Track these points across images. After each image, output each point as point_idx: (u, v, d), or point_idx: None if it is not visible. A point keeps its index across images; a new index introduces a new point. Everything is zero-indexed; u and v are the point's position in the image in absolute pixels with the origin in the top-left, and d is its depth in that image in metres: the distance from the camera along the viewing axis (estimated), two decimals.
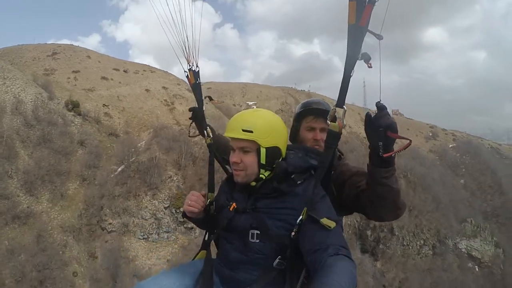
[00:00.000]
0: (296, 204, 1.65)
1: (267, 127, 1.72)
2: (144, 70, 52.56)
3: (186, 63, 2.25)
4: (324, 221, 1.49)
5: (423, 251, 41.95)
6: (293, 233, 1.59)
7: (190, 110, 2.35)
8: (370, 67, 1.48)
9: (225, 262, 1.80)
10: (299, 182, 1.71)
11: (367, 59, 1.49)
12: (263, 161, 1.71)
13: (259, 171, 1.73)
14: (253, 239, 1.69)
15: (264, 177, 1.74)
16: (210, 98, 2.49)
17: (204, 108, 2.30)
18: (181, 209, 2.01)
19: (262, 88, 63.06)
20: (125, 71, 49.65)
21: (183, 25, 2.12)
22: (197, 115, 2.32)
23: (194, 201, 1.92)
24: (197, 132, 2.38)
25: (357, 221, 38.09)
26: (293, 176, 1.72)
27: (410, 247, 41.23)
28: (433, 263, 40.89)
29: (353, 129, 56.30)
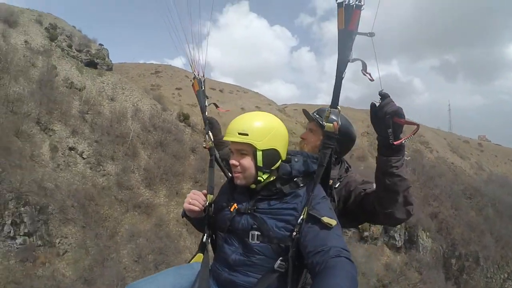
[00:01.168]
0: (297, 204, 1.69)
1: (263, 129, 1.74)
2: (237, 91, 60.03)
3: (192, 72, 2.47)
4: (325, 219, 1.54)
5: (506, 286, 41.49)
6: (294, 233, 1.62)
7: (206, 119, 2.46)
8: (371, 80, 1.57)
9: (224, 265, 1.79)
10: (301, 185, 1.75)
11: (364, 68, 1.58)
12: (260, 163, 1.74)
13: (257, 173, 1.76)
14: (253, 240, 1.70)
15: (262, 180, 1.77)
16: (216, 105, 2.55)
17: (206, 114, 2.42)
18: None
19: (344, 110, 65.79)
20: (220, 91, 57.39)
21: (192, 38, 2.28)
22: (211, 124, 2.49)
23: (196, 199, 1.95)
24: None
25: (442, 247, 39.49)
26: (295, 179, 1.76)
27: (494, 280, 41.39)
28: None
29: (440, 154, 56.80)
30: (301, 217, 1.63)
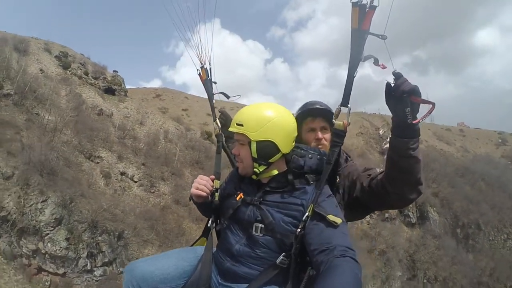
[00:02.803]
0: (305, 201, 1.71)
1: (258, 120, 1.75)
2: (237, 107, 64.92)
3: (199, 62, 2.43)
4: (331, 217, 1.56)
5: (507, 245, 48.39)
6: (298, 230, 1.63)
7: (219, 111, 2.55)
8: (384, 67, 1.59)
9: (227, 254, 1.82)
10: (311, 182, 1.77)
11: (376, 62, 1.61)
12: (254, 154, 1.76)
13: (253, 164, 1.80)
14: (257, 232, 1.73)
15: (258, 171, 1.80)
16: (225, 95, 2.53)
17: (214, 101, 2.47)
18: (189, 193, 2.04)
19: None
20: (231, 109, 62.25)
21: (197, 26, 2.27)
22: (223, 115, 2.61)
23: (203, 185, 1.98)
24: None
25: (447, 219, 45.79)
26: (306, 176, 1.79)
27: (496, 241, 48.01)
28: None
29: (429, 143, 63.91)
30: (307, 213, 1.64)
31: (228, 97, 2.52)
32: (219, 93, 2.49)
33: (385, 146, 57.55)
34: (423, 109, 1.58)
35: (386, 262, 33.38)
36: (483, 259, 43.91)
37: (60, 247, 22.69)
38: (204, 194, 1.97)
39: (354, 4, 1.61)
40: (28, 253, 22.95)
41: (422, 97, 1.55)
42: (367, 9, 1.59)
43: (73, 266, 23.14)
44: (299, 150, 1.87)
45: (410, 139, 1.65)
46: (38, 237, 23.06)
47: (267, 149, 1.77)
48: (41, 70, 38.70)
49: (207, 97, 2.44)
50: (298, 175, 1.80)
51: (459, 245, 43.25)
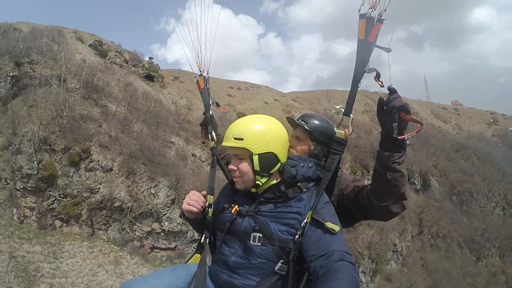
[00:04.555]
0: (301, 208, 1.78)
1: (258, 133, 1.82)
2: (251, 87, 71.19)
3: (198, 69, 2.52)
4: (329, 224, 1.61)
5: (496, 212, 57.90)
6: (297, 236, 1.69)
7: (203, 114, 2.56)
8: (382, 86, 1.67)
9: (223, 267, 1.87)
10: (304, 190, 1.85)
11: (377, 76, 1.70)
12: (256, 168, 1.83)
13: (255, 177, 1.86)
14: (255, 242, 1.78)
15: (261, 184, 1.87)
16: (217, 105, 2.65)
17: (211, 113, 2.52)
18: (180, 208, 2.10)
19: (344, 93, 79.92)
20: (238, 89, 68.20)
21: (198, 36, 2.34)
22: (205, 120, 2.58)
23: (195, 200, 2.03)
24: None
25: (444, 187, 54.45)
26: (299, 184, 1.86)
27: (486, 208, 57.25)
28: (504, 221, 56.39)
29: (428, 121, 72.07)
30: (305, 220, 1.71)
31: (219, 106, 2.70)
32: (213, 103, 2.60)
33: None
34: (411, 126, 1.73)
35: (401, 219, 41.70)
36: (475, 221, 53.09)
37: (177, 223, 28.08)
38: (196, 210, 2.01)
39: (361, 16, 1.72)
40: (141, 235, 28.23)
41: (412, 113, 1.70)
42: (375, 22, 1.70)
43: (182, 239, 28.34)
44: (289, 160, 1.95)
45: (396, 153, 1.74)
46: (153, 218, 28.32)
47: (268, 161, 1.85)
48: (83, 60, 39.84)
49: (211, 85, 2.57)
50: (291, 184, 1.87)
51: (455, 209, 52.23)
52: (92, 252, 26.09)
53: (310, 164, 1.93)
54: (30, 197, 26.32)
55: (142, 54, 52.50)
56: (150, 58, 52.86)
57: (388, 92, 1.68)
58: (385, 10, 1.68)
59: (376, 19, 1.69)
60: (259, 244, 1.78)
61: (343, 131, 1.85)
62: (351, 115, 1.83)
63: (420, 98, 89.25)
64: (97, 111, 33.05)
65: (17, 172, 26.40)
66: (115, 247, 27.41)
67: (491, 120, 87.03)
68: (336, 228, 1.61)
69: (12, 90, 31.46)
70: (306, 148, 2.17)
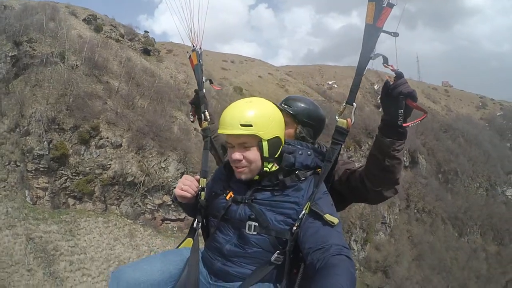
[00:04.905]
0: (299, 198, 1.74)
1: (265, 118, 1.76)
2: (245, 60, 71.90)
3: (191, 44, 2.42)
4: (328, 217, 1.59)
5: (479, 192, 61.32)
6: (294, 228, 1.66)
7: (195, 91, 2.46)
8: (393, 70, 1.62)
9: (217, 254, 1.84)
10: (303, 178, 1.79)
11: (386, 62, 1.62)
12: (266, 154, 1.77)
13: (263, 164, 1.81)
14: (250, 231, 1.74)
15: (268, 170, 1.82)
16: (211, 82, 2.58)
17: (204, 90, 2.43)
18: (173, 193, 2.07)
19: (337, 69, 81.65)
20: (232, 62, 68.86)
21: (190, 8, 2.25)
22: (197, 98, 2.48)
23: (188, 185, 1.99)
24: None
25: (431, 165, 57.14)
26: (297, 172, 1.81)
27: (470, 188, 60.48)
28: (487, 201, 59.90)
29: (419, 101, 74.32)
30: (303, 211, 1.67)
31: (212, 83, 2.58)
32: (206, 80, 2.49)
33: (379, 101, 67.83)
34: (414, 114, 1.64)
35: None
36: (459, 199, 56.40)
37: None
38: (189, 195, 1.97)
39: (371, 0, 1.64)
40: (152, 207, 29.40)
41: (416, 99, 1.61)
42: (383, 6, 1.62)
43: None
44: (287, 145, 1.89)
45: (397, 141, 1.68)
46: (164, 191, 29.49)
47: (276, 146, 1.80)
48: (79, 36, 39.37)
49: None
50: (289, 172, 1.81)
51: (441, 186, 55.27)
52: (108, 227, 27.34)
53: (309, 152, 1.88)
54: (43, 178, 27.28)
55: (138, 28, 51.86)
56: (145, 31, 53.22)
57: (395, 76, 1.61)
58: None
59: (386, 3, 1.62)
60: (255, 233, 1.74)
61: (345, 120, 1.77)
62: (354, 103, 1.75)
63: (411, 77, 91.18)
64: (100, 87, 33.72)
65: (27, 154, 27.20)
66: (128, 220, 28.67)
67: (480, 104, 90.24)
68: (335, 220, 1.59)
69: (13, 70, 31.50)
70: (292, 131, 2.14)
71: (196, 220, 2.06)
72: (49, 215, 26.30)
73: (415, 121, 1.65)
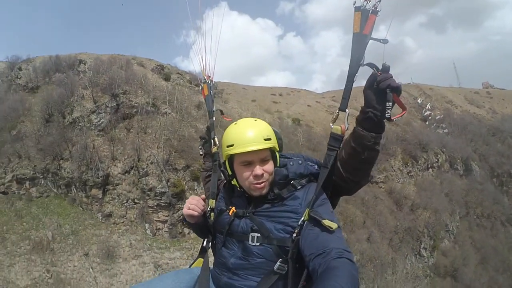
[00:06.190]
0: (296, 207, 1.85)
1: (272, 132, 1.99)
2: (292, 92, 78.21)
3: (203, 77, 2.79)
4: (326, 222, 1.64)
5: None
6: (294, 235, 1.76)
7: (206, 127, 2.78)
8: (379, 69, 1.69)
9: (224, 269, 1.96)
10: (299, 187, 1.91)
11: (377, 69, 1.69)
12: (278, 164, 1.96)
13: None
14: (253, 242, 1.86)
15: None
16: (221, 112, 2.76)
17: (214, 118, 2.68)
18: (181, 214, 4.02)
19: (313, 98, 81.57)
20: (280, 95, 74.91)
21: (201, 46, 2.61)
22: (208, 133, 2.79)
23: (195, 204, 2.14)
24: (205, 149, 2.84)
25: (484, 170, 60.21)
26: (292, 182, 1.93)
27: None
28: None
29: (463, 108, 76.59)
30: (302, 218, 1.77)
31: (223, 114, 2.76)
32: (217, 110, 2.72)
33: (426, 113, 71.55)
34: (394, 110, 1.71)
35: (449, 202, 48.56)
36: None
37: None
38: (196, 213, 2.11)
39: (356, 9, 1.73)
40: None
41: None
42: (369, 14, 1.69)
43: None
44: (281, 158, 2.01)
45: (378, 134, 1.75)
46: None
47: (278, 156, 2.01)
48: (155, 86, 43.88)
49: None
50: (284, 184, 1.93)
51: (496, 190, 58.36)
52: None
53: (300, 161, 1.99)
54: (163, 212, 32.84)
55: (200, 73, 57.55)
56: (208, 76, 58.51)
57: (381, 69, 1.66)
58: (379, 1, 1.70)
59: (371, 11, 1.70)
60: (258, 244, 1.85)
61: (339, 127, 1.81)
62: (347, 110, 1.80)
63: (451, 85, 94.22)
64: (193, 131, 39.64)
65: (148, 192, 32.87)
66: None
67: None
68: (334, 225, 1.64)
69: (113, 119, 37.92)
70: None
71: (206, 239, 2.25)
72: (170, 244, 31.49)
73: (399, 115, 1.67)
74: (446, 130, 66.77)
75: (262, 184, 1.90)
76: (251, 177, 1.90)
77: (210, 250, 2.24)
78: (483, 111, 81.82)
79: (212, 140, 2.58)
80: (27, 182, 33.62)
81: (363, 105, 1.75)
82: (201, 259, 2.22)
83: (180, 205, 33.23)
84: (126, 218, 32.45)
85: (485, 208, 54.58)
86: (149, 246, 30.88)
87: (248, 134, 1.87)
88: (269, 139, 1.89)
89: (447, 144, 59.16)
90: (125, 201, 33.27)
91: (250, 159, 1.89)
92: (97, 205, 33.02)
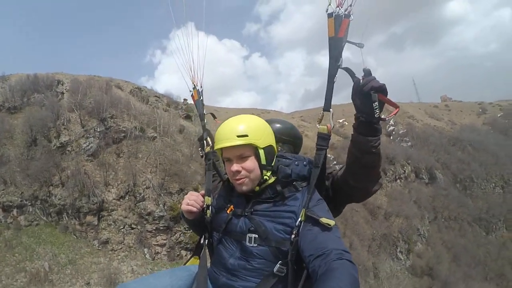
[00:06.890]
0: (295, 207, 1.86)
1: (258, 128, 1.94)
2: (262, 113, 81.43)
3: (191, 83, 2.74)
4: (324, 220, 1.67)
5: (496, 191, 69.50)
6: (293, 236, 1.76)
7: (199, 140, 2.72)
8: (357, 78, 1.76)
9: (222, 269, 1.94)
10: (300, 189, 1.93)
11: (350, 72, 1.79)
12: (263, 161, 1.93)
13: (262, 173, 1.95)
14: (251, 243, 1.85)
15: (267, 177, 1.97)
16: (213, 116, 2.83)
17: (205, 120, 2.72)
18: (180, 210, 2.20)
19: (344, 107, 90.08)
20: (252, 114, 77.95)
21: (190, 50, 2.59)
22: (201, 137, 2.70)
23: (194, 200, 2.14)
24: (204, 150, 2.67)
25: (447, 177, 65.90)
26: (294, 183, 1.95)
27: (487, 189, 68.88)
28: (505, 198, 67.74)
29: (424, 121, 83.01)
30: (299, 219, 1.77)
31: (215, 117, 2.83)
32: (208, 113, 2.76)
33: (389, 129, 76.94)
34: (386, 109, 1.76)
35: (419, 208, 53.23)
36: (479, 202, 64.43)
37: None
38: (195, 209, 2.11)
39: (329, 15, 1.81)
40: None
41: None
42: (342, 19, 1.79)
43: None
44: (284, 159, 2.05)
45: (374, 137, 1.78)
46: None
47: (271, 154, 1.97)
48: (141, 110, 42.99)
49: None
50: (286, 183, 1.95)
51: (460, 194, 63.89)
52: None
53: (304, 163, 2.01)
54: (161, 235, 33.13)
55: (179, 97, 57.00)
56: (184, 99, 55.93)
57: (363, 73, 1.71)
58: (351, 5, 1.78)
59: (343, 16, 1.78)
60: (255, 245, 1.85)
61: (326, 126, 1.89)
62: (330, 109, 1.87)
63: (412, 100, 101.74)
64: (180, 154, 40.38)
65: (146, 216, 33.16)
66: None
67: (480, 110, 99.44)
68: (331, 222, 1.66)
69: (103, 143, 36.82)
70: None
71: (203, 237, 2.21)
72: (170, 267, 30.31)
73: (391, 114, 1.78)
74: (409, 143, 71.39)
75: (241, 181, 1.94)
76: (231, 173, 1.96)
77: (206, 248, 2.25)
78: (443, 123, 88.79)
79: (204, 141, 2.63)
80: (15, 210, 32.55)
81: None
82: (196, 257, 2.26)
83: (177, 228, 33.62)
84: (124, 244, 32.27)
85: (452, 211, 59.39)
86: (151, 270, 30.71)
87: (223, 131, 1.94)
88: (244, 136, 1.88)
89: (412, 156, 63.64)
90: (121, 227, 32.88)
91: (227, 155, 1.96)
92: (92, 232, 32.70)
